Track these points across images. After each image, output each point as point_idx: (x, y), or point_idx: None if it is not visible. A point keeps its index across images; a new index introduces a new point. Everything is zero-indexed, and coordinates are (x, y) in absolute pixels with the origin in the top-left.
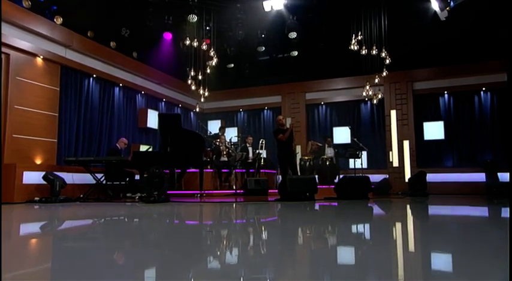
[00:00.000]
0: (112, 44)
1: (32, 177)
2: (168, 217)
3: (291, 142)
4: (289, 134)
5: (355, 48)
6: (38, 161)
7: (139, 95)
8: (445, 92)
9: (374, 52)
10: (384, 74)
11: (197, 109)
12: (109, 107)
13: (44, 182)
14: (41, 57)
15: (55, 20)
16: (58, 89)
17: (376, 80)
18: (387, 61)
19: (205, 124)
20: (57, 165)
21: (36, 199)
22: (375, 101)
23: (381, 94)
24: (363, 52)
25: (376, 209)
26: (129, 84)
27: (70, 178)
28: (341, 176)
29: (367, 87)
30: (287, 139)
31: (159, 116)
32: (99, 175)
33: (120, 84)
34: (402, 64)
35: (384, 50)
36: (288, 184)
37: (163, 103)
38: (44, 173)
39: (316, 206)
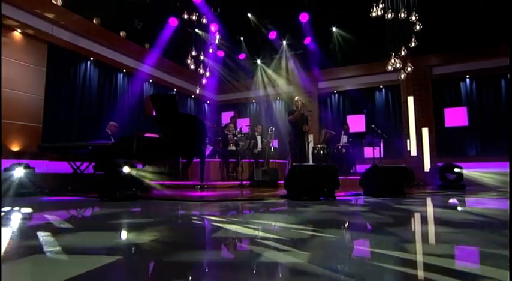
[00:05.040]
0: (122, 33)
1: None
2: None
3: (302, 125)
4: (298, 115)
5: (379, 13)
6: (16, 148)
7: (147, 83)
8: (467, 76)
9: (403, 15)
10: (413, 44)
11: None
12: (110, 93)
13: None
14: (19, 31)
15: (53, 1)
16: (45, 70)
17: (403, 53)
18: (417, 27)
19: (219, 115)
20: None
21: None
22: (402, 76)
23: (410, 67)
24: (389, 16)
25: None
26: (134, 71)
27: (53, 166)
28: (356, 166)
29: (393, 60)
30: (298, 122)
31: (152, 97)
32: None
33: (124, 70)
34: (420, 48)
35: (413, 14)
36: (298, 176)
37: (174, 93)
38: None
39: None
